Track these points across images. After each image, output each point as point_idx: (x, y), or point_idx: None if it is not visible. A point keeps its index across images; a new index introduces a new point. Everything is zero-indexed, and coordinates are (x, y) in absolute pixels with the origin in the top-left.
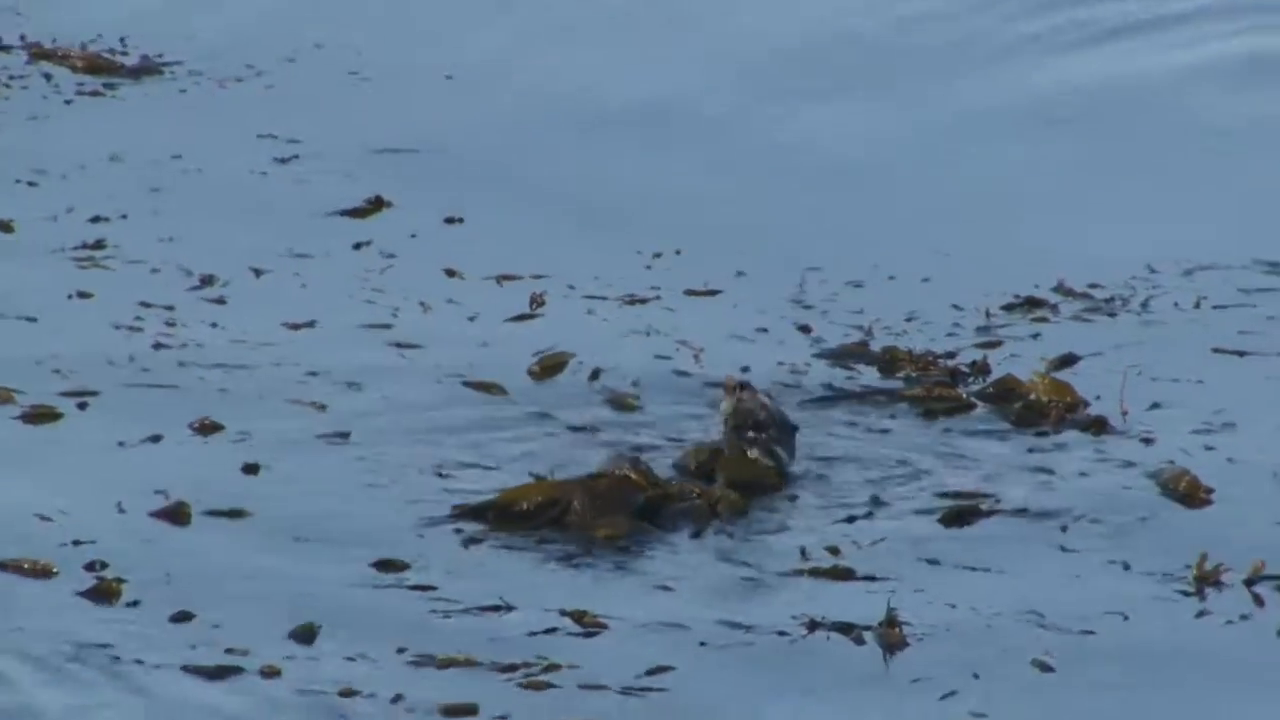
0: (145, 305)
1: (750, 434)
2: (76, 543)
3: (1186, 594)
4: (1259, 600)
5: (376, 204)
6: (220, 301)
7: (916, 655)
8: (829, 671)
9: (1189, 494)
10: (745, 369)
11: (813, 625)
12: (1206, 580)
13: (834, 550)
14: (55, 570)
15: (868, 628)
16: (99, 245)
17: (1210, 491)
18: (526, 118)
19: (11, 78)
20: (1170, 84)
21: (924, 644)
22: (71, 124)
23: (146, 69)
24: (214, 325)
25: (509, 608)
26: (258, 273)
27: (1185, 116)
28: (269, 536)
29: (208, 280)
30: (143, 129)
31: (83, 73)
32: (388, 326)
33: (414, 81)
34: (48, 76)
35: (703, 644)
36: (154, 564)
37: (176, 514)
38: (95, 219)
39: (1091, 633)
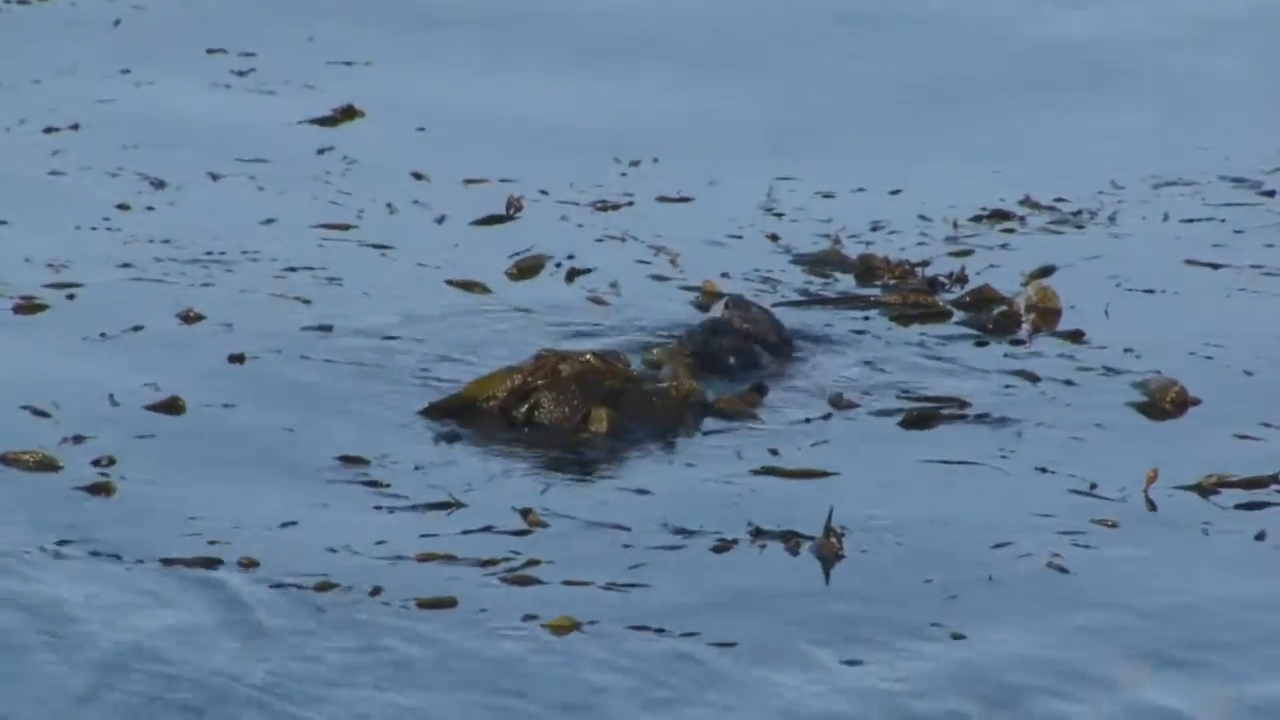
0: (117, 208)
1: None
2: (79, 438)
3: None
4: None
5: (347, 113)
6: (173, 204)
7: (850, 567)
8: (764, 582)
9: (1174, 403)
10: (724, 274)
11: (758, 533)
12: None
13: (774, 451)
14: (61, 464)
15: (810, 537)
16: (55, 154)
17: (1196, 401)
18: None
19: None
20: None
21: (865, 556)
22: (9, 37)
23: None
24: (186, 224)
25: (459, 505)
26: (214, 176)
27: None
28: (258, 429)
29: (158, 184)
30: (82, 44)
31: None
32: (352, 227)
33: None
34: None
35: (627, 546)
36: (148, 454)
37: (171, 406)
38: (49, 129)
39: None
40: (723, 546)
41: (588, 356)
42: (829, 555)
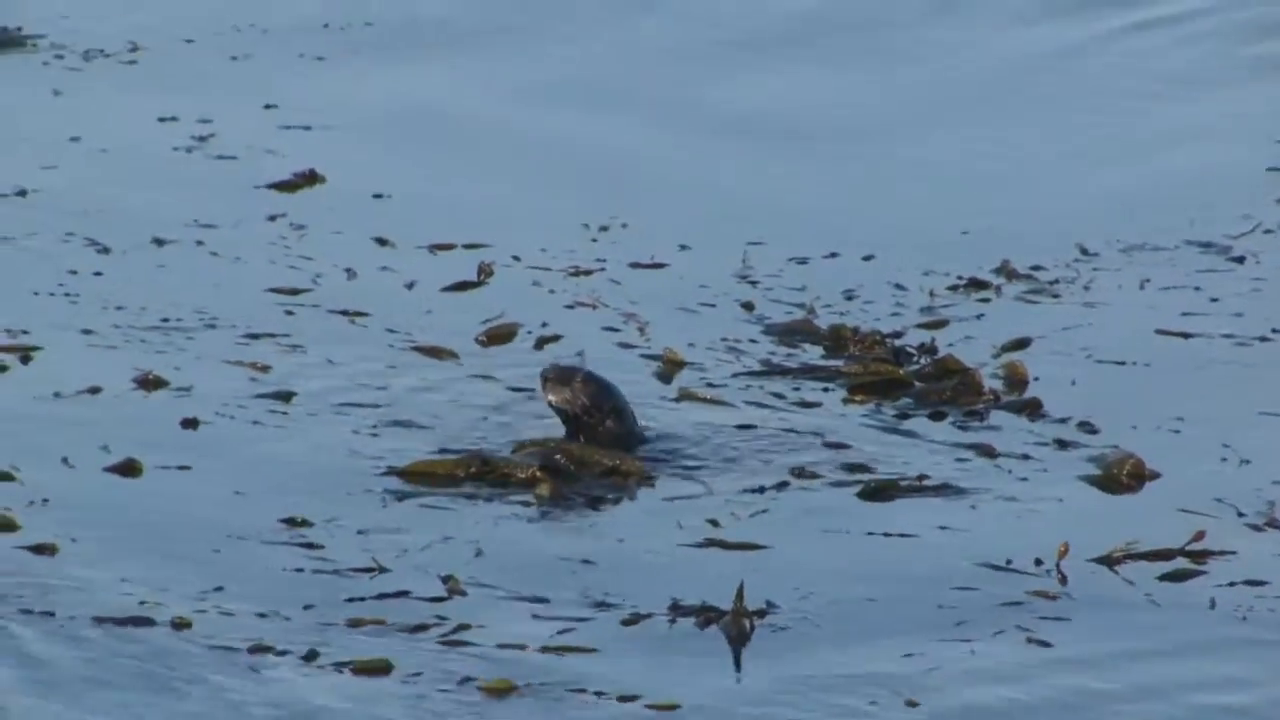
0: (71, 274)
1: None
2: (46, 500)
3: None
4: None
5: (309, 178)
6: (122, 270)
7: (759, 644)
8: (679, 656)
9: (1130, 477)
10: (691, 344)
11: (675, 608)
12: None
13: (714, 523)
14: (19, 525)
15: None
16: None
17: (1156, 475)
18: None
19: None
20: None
21: (779, 634)
22: None
23: (9, 41)
24: (144, 287)
25: (382, 570)
26: (160, 243)
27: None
28: (213, 491)
29: (104, 250)
30: (29, 105)
31: None
32: (308, 291)
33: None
34: None
35: (537, 617)
36: (105, 517)
37: (128, 468)
38: None
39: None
40: (632, 621)
41: (534, 471)
42: (738, 633)
